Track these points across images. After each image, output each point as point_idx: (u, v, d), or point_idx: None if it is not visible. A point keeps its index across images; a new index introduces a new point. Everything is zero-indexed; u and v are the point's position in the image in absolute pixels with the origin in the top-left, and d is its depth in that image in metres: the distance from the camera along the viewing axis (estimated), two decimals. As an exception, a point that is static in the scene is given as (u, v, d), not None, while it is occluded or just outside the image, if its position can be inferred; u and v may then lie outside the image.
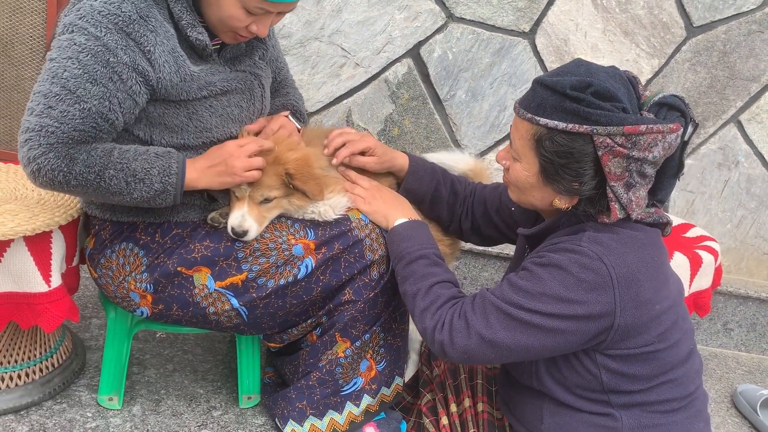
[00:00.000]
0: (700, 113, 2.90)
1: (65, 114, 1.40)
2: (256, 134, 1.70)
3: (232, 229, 1.62)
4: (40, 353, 1.82)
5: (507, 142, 2.92)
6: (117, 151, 1.46)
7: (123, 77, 1.44)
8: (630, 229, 1.40)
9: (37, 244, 1.60)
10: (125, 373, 1.84)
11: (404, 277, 1.56)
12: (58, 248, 1.64)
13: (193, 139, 1.59)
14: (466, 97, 2.79)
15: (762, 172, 2.97)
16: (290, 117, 1.83)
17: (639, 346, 1.40)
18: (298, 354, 1.79)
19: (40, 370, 1.81)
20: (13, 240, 1.56)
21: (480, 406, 1.72)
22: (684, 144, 1.38)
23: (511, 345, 1.38)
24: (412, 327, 1.85)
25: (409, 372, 1.96)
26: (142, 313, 1.69)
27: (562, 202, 1.42)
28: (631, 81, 1.39)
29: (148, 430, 1.77)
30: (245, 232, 1.61)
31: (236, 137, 1.65)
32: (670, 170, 1.40)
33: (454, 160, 2.09)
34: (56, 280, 1.63)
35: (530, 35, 2.75)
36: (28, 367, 1.79)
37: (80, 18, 1.43)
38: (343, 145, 1.76)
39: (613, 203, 1.36)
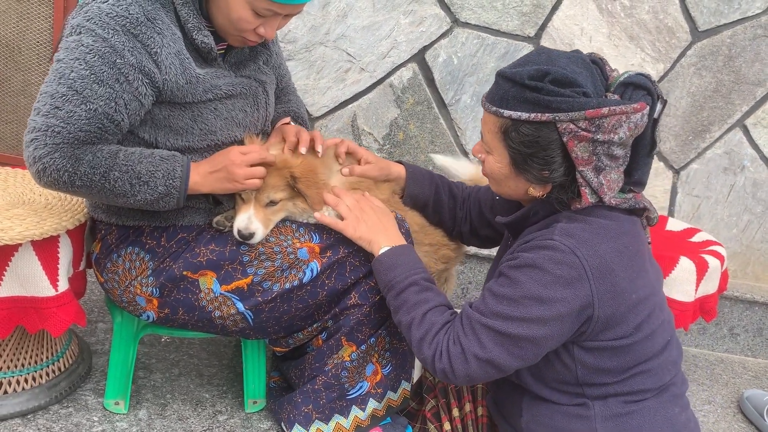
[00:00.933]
0: (705, 118, 2.89)
1: (71, 114, 1.41)
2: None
3: (239, 231, 1.62)
4: (47, 357, 1.82)
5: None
6: (122, 153, 1.47)
7: (129, 78, 1.45)
8: (604, 218, 1.40)
9: (45, 248, 1.60)
10: (131, 377, 1.84)
11: (396, 307, 1.55)
12: (65, 252, 1.65)
13: (198, 142, 1.59)
14: (471, 101, 2.79)
15: (768, 177, 2.97)
16: (292, 124, 1.84)
17: (617, 338, 1.41)
18: (303, 358, 1.79)
19: (47, 374, 1.81)
20: (21, 244, 1.57)
21: (480, 410, 1.72)
22: (655, 121, 1.38)
23: (508, 360, 1.39)
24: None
25: (414, 376, 1.96)
26: (148, 317, 1.70)
27: (536, 191, 1.43)
28: (596, 62, 1.39)
29: (154, 434, 1.77)
30: (252, 235, 1.61)
31: (241, 141, 1.66)
32: (642, 149, 1.40)
33: (457, 167, 2.10)
34: (63, 285, 1.64)
35: (535, 40, 2.75)
36: (35, 371, 1.79)
37: (88, 20, 1.44)
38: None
39: (583, 188, 1.36)
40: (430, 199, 1.86)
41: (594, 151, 1.32)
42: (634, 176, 1.42)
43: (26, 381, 1.77)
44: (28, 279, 1.60)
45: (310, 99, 2.73)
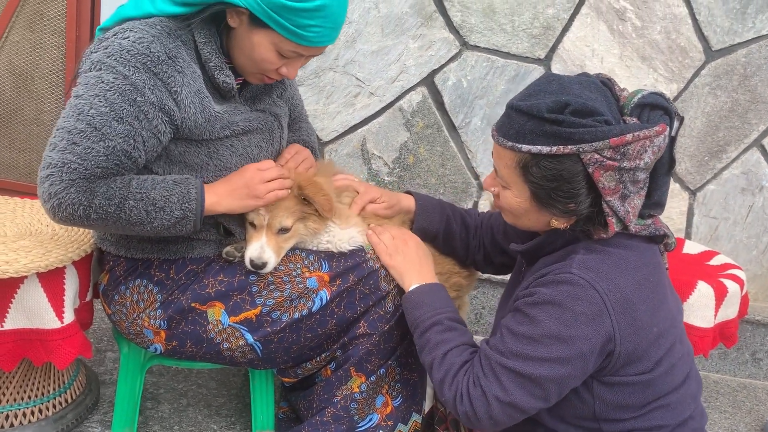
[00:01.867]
0: (721, 138, 2.85)
1: (89, 151, 1.40)
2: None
3: (251, 261, 1.60)
4: (54, 389, 1.81)
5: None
6: (135, 181, 1.46)
7: (149, 116, 1.44)
8: (623, 248, 1.36)
9: (51, 280, 1.60)
10: (138, 408, 1.82)
11: (421, 347, 1.53)
12: (71, 284, 1.64)
13: (212, 178, 1.58)
14: (481, 124, 2.77)
15: (787, 197, 2.91)
16: None
17: (638, 373, 1.36)
18: (312, 389, 1.76)
19: (54, 407, 1.80)
20: (26, 276, 1.56)
21: None
22: (672, 139, 1.34)
23: (530, 401, 1.34)
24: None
25: (425, 406, 1.92)
26: (156, 349, 1.68)
27: (559, 223, 1.38)
28: (605, 84, 1.35)
29: (160, 468, 1.75)
30: (264, 264, 1.60)
31: None
32: (661, 168, 1.36)
33: None
34: (69, 316, 1.63)
35: (546, 62, 2.73)
36: (42, 404, 1.78)
37: (108, 56, 1.43)
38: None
39: (610, 218, 1.32)
40: (441, 231, 1.83)
41: (620, 179, 1.28)
42: (654, 197, 1.38)
43: (32, 414, 1.76)
44: (33, 311, 1.59)
45: (320, 124, 2.72)
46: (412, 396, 1.77)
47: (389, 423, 1.73)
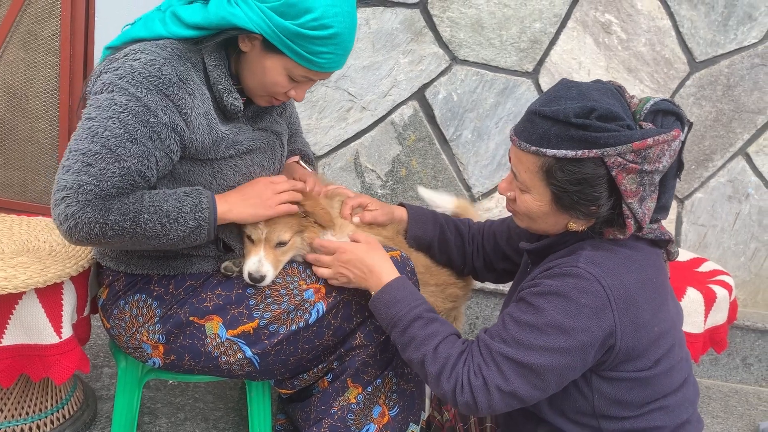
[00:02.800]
0: (707, 147, 2.90)
1: (104, 172, 1.41)
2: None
3: (250, 274, 1.62)
4: (52, 405, 1.81)
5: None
6: (147, 196, 1.47)
7: (162, 136, 1.46)
8: (629, 248, 1.39)
9: (48, 295, 1.61)
10: (136, 422, 1.82)
11: (405, 345, 1.51)
12: (69, 299, 1.65)
13: None
14: (472, 137, 2.81)
15: (773, 204, 2.96)
16: (301, 162, 1.86)
17: (637, 370, 1.38)
18: (309, 400, 1.77)
19: (51, 422, 1.80)
20: (24, 292, 1.58)
21: None
22: (682, 144, 1.38)
23: (531, 391, 1.36)
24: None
25: (423, 416, 1.94)
26: (154, 363, 1.69)
27: (578, 225, 1.41)
28: (619, 91, 1.39)
29: (159, 482, 1.75)
30: (263, 277, 1.61)
31: None
32: (671, 172, 1.40)
33: (439, 200, 2.07)
34: (67, 332, 1.64)
35: (534, 75, 2.78)
36: (40, 419, 1.78)
37: (120, 78, 1.45)
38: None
39: (629, 219, 1.35)
40: (435, 239, 1.85)
41: (641, 182, 1.32)
42: (662, 200, 1.41)
43: (30, 430, 1.76)
44: (31, 327, 1.60)
45: (313, 138, 2.76)
46: (409, 406, 1.78)
47: (386, 433, 1.74)
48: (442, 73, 2.75)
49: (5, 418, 1.73)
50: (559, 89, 1.37)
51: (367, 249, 1.63)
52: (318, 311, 1.65)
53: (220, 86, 1.56)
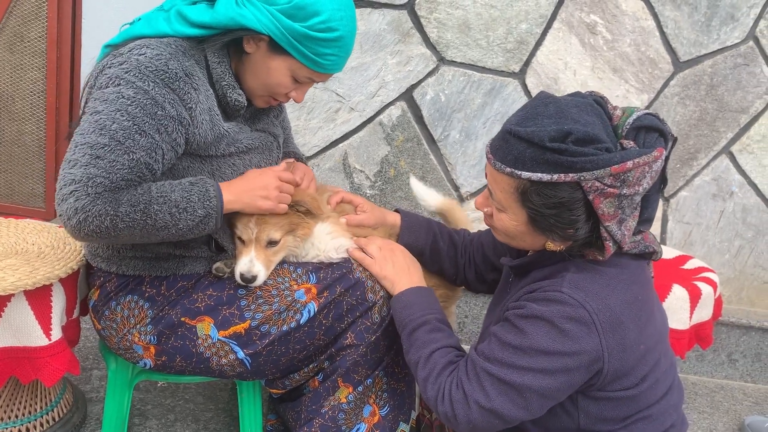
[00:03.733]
0: (692, 145, 2.94)
1: (114, 164, 1.41)
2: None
3: (241, 275, 1.62)
4: (41, 407, 1.81)
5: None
6: (154, 187, 1.47)
7: (168, 129, 1.47)
8: (613, 266, 1.36)
9: (38, 297, 1.60)
10: (126, 424, 1.82)
11: (408, 346, 1.54)
12: (58, 301, 1.65)
13: None
14: (459, 137, 2.83)
15: (756, 202, 3.00)
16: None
17: (624, 389, 1.38)
18: (300, 400, 1.78)
19: (41, 425, 1.80)
20: (13, 294, 1.57)
21: None
22: (665, 159, 1.33)
23: (512, 410, 1.34)
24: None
25: (413, 415, 1.95)
26: (145, 364, 1.69)
27: (555, 246, 1.38)
28: (599, 103, 1.34)
29: (150, 483, 1.75)
30: (254, 278, 1.61)
31: None
32: (654, 188, 1.35)
33: (426, 196, 2.08)
34: (57, 333, 1.64)
35: (520, 75, 2.80)
36: (29, 422, 1.78)
37: (126, 72, 1.45)
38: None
39: (607, 242, 1.32)
40: (427, 248, 1.85)
41: (619, 205, 1.27)
42: (644, 214, 1.38)
43: (20, 433, 1.76)
44: (21, 329, 1.60)
45: (302, 139, 2.76)
46: (399, 405, 1.79)
47: (377, 432, 1.75)
48: (429, 74, 2.77)
49: (-6, 421, 1.73)
50: (536, 105, 1.32)
51: (413, 258, 1.74)
52: (309, 311, 1.65)
53: (223, 83, 1.58)
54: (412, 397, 1.86)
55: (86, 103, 1.50)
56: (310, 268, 1.70)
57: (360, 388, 1.71)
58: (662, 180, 1.36)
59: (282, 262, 1.71)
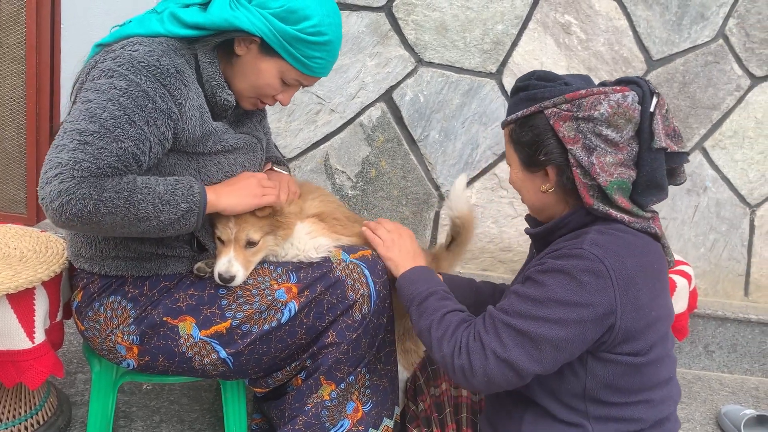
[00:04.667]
0: (666, 142, 2.99)
1: (101, 150, 1.42)
2: None
3: (220, 275, 1.64)
4: (25, 411, 1.81)
5: (481, 178, 2.98)
6: (140, 179, 1.48)
7: (158, 123, 1.49)
8: (632, 235, 1.45)
9: (20, 301, 1.61)
10: (111, 427, 1.83)
11: (418, 316, 1.58)
12: (41, 304, 1.66)
13: None
14: (439, 137, 2.86)
15: (730, 196, 3.06)
16: (275, 167, 1.89)
17: (632, 353, 1.42)
18: (284, 398, 1.79)
19: (26, 428, 1.80)
20: (-4, 299, 1.58)
21: None
22: (651, 115, 1.41)
23: (527, 362, 1.38)
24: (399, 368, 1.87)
25: (397, 411, 1.97)
26: (129, 365, 1.70)
27: (545, 186, 1.50)
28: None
29: (135, 483, 1.76)
30: (233, 278, 1.63)
31: None
32: (644, 142, 1.42)
33: (459, 200, 1.99)
34: (40, 336, 1.65)
35: (497, 75, 2.85)
36: (13, 426, 1.78)
37: (119, 65, 1.48)
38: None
39: (575, 168, 1.43)
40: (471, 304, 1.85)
41: (578, 129, 1.41)
42: (642, 172, 1.43)
43: (4, 437, 1.76)
44: (4, 333, 1.60)
45: (283, 141, 2.78)
46: (382, 401, 1.81)
47: (360, 428, 1.76)
48: (408, 75, 2.80)
49: (-22, 425, 1.73)
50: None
51: (420, 247, 1.84)
52: (290, 310, 1.67)
53: (213, 82, 1.61)
54: (395, 392, 1.89)
55: (77, 95, 1.52)
56: (291, 268, 1.72)
57: (343, 385, 1.74)
58: (650, 134, 1.41)
59: (262, 262, 1.73)
